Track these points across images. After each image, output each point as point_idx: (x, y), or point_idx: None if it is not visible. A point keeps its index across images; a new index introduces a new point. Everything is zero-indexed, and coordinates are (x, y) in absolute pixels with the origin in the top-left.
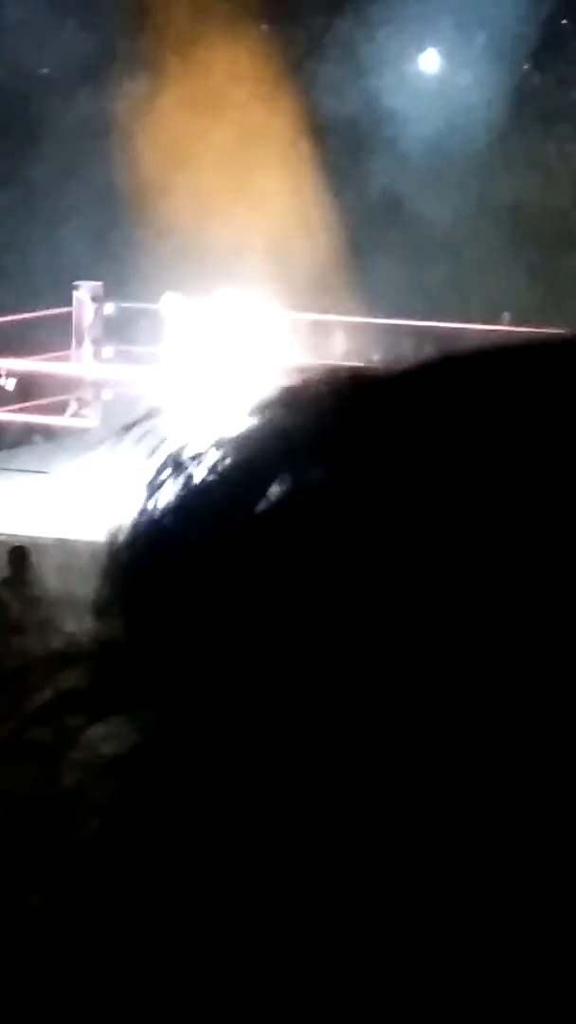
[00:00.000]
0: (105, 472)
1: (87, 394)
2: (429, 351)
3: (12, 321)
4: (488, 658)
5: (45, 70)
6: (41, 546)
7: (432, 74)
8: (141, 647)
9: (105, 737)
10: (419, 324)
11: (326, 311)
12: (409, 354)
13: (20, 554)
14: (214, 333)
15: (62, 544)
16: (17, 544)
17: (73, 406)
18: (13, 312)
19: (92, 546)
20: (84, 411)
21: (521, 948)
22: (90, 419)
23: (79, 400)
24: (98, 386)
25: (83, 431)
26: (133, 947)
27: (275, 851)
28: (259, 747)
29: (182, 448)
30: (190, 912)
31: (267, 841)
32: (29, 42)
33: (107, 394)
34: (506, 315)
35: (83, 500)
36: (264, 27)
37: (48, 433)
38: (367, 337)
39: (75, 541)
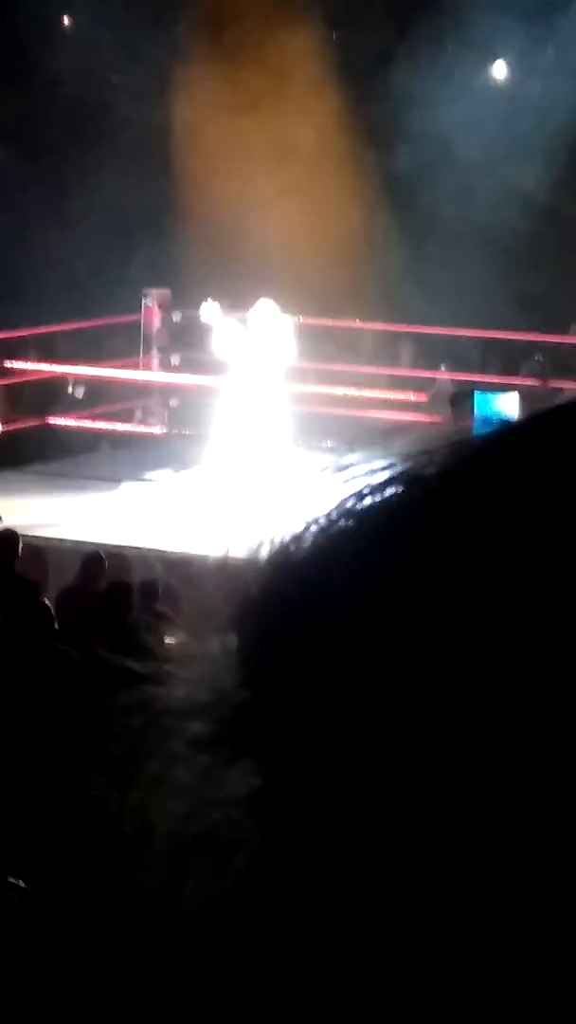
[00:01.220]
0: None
1: (154, 401)
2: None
3: (82, 328)
4: None
5: (116, 77)
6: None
7: (501, 85)
8: (265, 705)
9: (236, 780)
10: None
11: (392, 320)
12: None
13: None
14: (251, 344)
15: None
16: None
17: (139, 413)
18: (82, 319)
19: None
20: (151, 418)
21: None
22: (157, 426)
23: (146, 407)
24: (165, 393)
25: (150, 438)
26: (282, 980)
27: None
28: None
29: (319, 516)
30: (336, 947)
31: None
32: (100, 49)
33: (174, 401)
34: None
35: (157, 511)
36: (334, 34)
37: (115, 440)
38: (434, 346)
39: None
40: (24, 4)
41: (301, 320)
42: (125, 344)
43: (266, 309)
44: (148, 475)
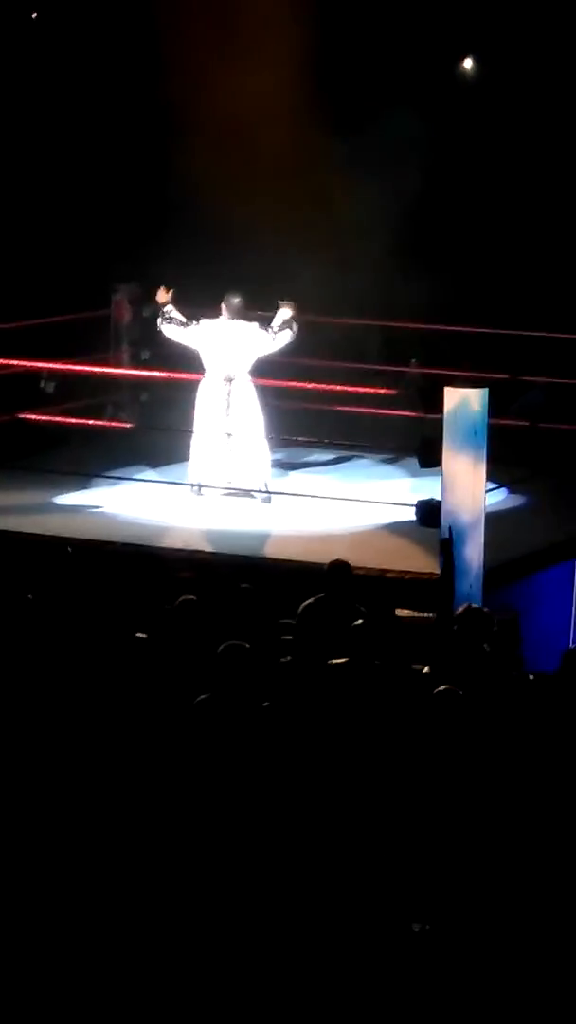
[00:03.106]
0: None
1: (125, 396)
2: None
3: (51, 323)
4: None
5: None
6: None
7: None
8: None
9: None
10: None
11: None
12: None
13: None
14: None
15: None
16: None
17: (110, 408)
18: (52, 315)
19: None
20: (122, 413)
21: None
22: (127, 421)
23: (116, 402)
24: (136, 388)
25: (121, 432)
26: None
27: None
28: None
29: None
30: None
31: None
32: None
33: (144, 396)
34: None
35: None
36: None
37: (85, 435)
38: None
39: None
40: None
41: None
42: (95, 339)
43: (235, 303)
44: (119, 470)
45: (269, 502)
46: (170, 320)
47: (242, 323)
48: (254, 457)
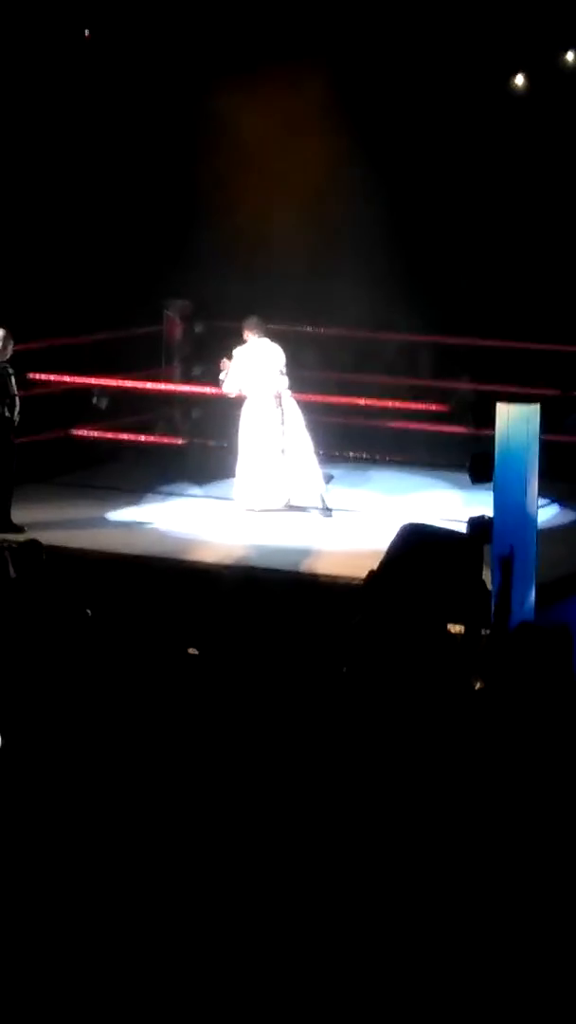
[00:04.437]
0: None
1: (176, 412)
2: None
3: (103, 340)
4: None
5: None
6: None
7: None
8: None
9: None
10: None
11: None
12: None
13: None
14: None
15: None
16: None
17: (162, 424)
18: (104, 331)
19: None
20: (173, 429)
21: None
22: (179, 437)
23: (168, 418)
24: (187, 404)
25: (171, 449)
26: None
27: None
28: None
29: None
30: None
31: None
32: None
33: (196, 412)
34: None
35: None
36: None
37: (137, 451)
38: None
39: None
40: None
41: (322, 330)
42: (147, 356)
43: (256, 322)
44: (170, 485)
45: (329, 516)
46: (225, 382)
47: (266, 340)
48: (307, 473)
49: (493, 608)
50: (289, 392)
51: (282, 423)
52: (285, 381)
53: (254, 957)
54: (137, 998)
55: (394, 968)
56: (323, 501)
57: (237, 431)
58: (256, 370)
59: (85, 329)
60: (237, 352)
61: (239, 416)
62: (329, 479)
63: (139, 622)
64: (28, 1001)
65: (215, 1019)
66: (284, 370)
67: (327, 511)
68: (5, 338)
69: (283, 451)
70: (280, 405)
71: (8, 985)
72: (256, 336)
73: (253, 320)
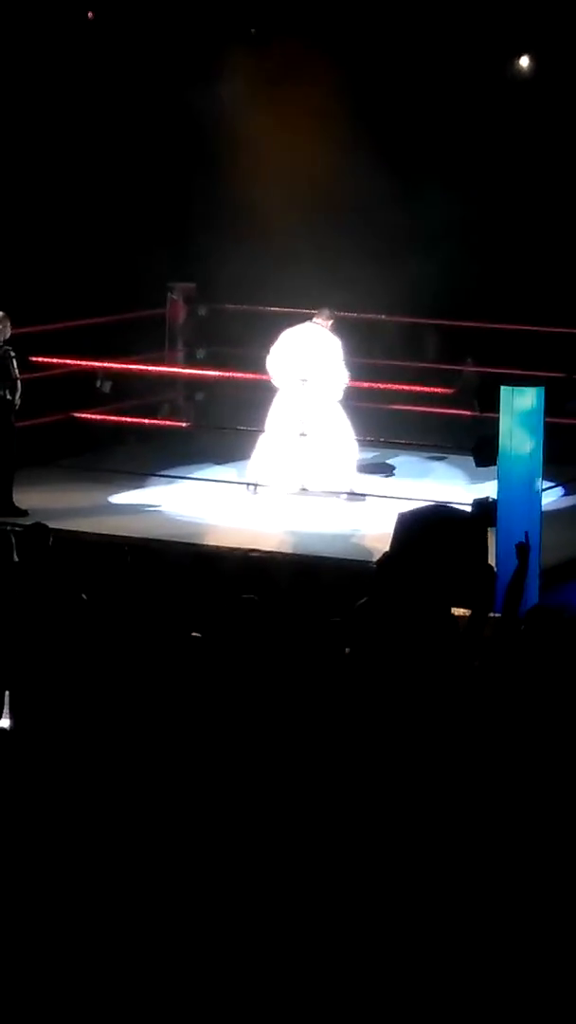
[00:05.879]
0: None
1: (180, 395)
2: None
3: (107, 322)
4: None
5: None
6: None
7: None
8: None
9: None
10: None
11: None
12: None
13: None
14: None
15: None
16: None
17: (166, 407)
18: (107, 314)
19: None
20: (176, 412)
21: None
22: (182, 420)
23: (172, 401)
24: (191, 387)
25: (175, 432)
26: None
27: None
28: None
29: None
30: None
31: None
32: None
33: (200, 395)
34: None
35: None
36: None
37: (142, 434)
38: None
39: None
40: None
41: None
42: (151, 339)
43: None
44: (174, 469)
45: (360, 500)
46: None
47: (321, 329)
48: (336, 458)
49: (502, 591)
50: (326, 379)
51: (309, 409)
52: (344, 375)
53: (255, 945)
54: (139, 988)
55: (394, 960)
56: (350, 487)
57: (241, 414)
58: (306, 356)
59: (88, 312)
60: (286, 333)
61: (244, 399)
62: (391, 471)
63: (141, 606)
64: (30, 992)
65: (215, 1015)
66: (341, 365)
67: (353, 496)
68: (3, 319)
69: (303, 435)
70: (311, 392)
71: (10, 980)
72: (325, 323)
73: (325, 311)
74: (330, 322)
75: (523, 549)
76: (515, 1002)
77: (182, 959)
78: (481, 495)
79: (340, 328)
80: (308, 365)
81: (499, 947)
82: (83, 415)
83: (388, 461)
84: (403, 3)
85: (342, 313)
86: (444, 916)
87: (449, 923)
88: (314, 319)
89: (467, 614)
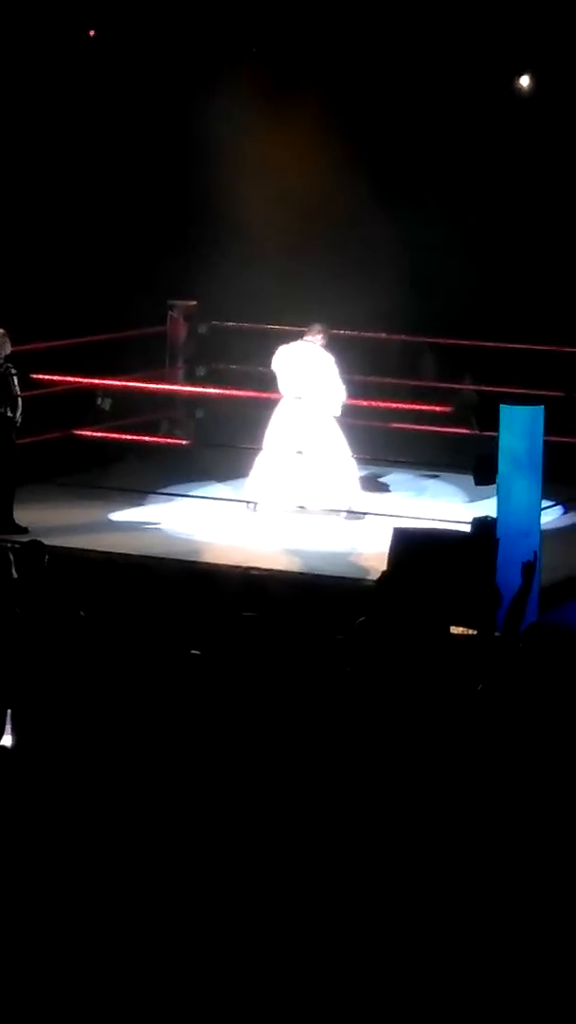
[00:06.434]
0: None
1: (180, 413)
2: None
3: (107, 340)
4: None
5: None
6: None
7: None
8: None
9: None
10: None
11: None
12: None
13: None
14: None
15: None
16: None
17: (166, 425)
18: (108, 331)
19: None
20: (177, 430)
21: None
22: (182, 438)
23: (172, 419)
24: (191, 405)
25: (175, 449)
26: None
27: None
28: None
29: None
30: None
31: None
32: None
33: (200, 412)
34: None
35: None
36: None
37: (142, 451)
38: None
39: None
40: None
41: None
42: (151, 356)
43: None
44: (174, 486)
45: (358, 519)
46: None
47: (313, 346)
48: (334, 476)
49: (504, 610)
50: (322, 396)
51: (306, 426)
52: (340, 391)
53: (255, 951)
54: (140, 996)
55: (394, 965)
56: (350, 505)
57: (241, 432)
58: (289, 372)
59: (89, 329)
60: (282, 349)
61: (244, 417)
62: (385, 487)
63: (140, 623)
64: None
65: (215, 1014)
66: (336, 381)
67: (353, 515)
68: (3, 336)
69: (300, 453)
70: (301, 407)
71: (13, 987)
72: (319, 341)
73: (316, 326)
74: (321, 338)
75: (529, 568)
76: (515, 1002)
77: (184, 972)
78: (480, 514)
79: (341, 346)
80: (302, 382)
81: (498, 952)
82: (83, 432)
83: (382, 479)
84: (402, 24)
85: (342, 331)
86: (446, 927)
87: (450, 932)
88: (305, 336)
89: (466, 632)
